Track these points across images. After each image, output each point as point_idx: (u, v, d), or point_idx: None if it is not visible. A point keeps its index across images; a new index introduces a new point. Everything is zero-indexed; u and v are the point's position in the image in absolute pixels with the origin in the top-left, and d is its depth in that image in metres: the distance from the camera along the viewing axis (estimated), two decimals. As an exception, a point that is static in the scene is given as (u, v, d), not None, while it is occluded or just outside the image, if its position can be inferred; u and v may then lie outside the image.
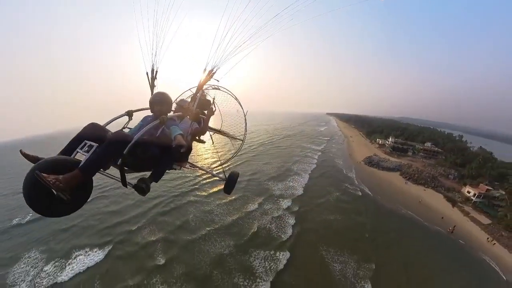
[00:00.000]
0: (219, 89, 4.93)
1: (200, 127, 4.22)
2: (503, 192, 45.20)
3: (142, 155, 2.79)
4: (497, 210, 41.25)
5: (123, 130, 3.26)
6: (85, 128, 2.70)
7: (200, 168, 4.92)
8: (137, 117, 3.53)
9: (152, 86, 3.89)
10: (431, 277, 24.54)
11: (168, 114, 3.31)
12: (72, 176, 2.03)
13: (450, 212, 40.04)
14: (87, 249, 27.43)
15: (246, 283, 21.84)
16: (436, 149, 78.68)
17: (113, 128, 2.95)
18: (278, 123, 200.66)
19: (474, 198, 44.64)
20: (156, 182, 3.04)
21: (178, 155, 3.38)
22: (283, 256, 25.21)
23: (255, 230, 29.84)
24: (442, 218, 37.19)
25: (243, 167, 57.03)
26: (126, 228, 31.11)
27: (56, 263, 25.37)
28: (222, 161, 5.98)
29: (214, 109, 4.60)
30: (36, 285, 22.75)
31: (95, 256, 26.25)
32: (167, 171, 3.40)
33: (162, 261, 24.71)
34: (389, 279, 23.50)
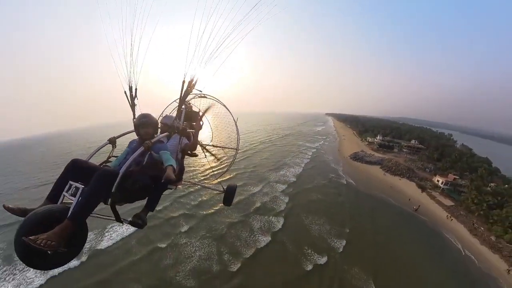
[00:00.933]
0: (205, 97, 4.70)
1: (190, 142, 4.01)
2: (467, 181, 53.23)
3: (132, 187, 2.68)
4: (460, 195, 49.13)
5: (109, 160, 3.22)
6: (67, 167, 2.51)
7: (196, 184, 4.82)
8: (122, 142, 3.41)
9: (132, 106, 3.63)
10: (394, 245, 31.22)
11: (155, 137, 3.15)
12: (62, 228, 1.91)
13: (419, 196, 47.90)
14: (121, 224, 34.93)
15: (252, 238, 29.90)
16: (419, 146, 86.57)
17: (96, 158, 2.97)
18: (278, 124, 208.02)
19: (442, 186, 52.51)
20: (152, 211, 2.99)
21: (171, 182, 3.15)
22: (279, 222, 33.76)
23: (258, 205, 38.37)
24: (409, 199, 45.19)
25: (246, 161, 65.16)
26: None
27: (96, 233, 30.64)
28: (216, 173, 5.77)
29: (202, 123, 4.48)
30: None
31: (129, 227, 31.19)
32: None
33: (185, 228, 32.45)
34: (359, 241, 31.18)
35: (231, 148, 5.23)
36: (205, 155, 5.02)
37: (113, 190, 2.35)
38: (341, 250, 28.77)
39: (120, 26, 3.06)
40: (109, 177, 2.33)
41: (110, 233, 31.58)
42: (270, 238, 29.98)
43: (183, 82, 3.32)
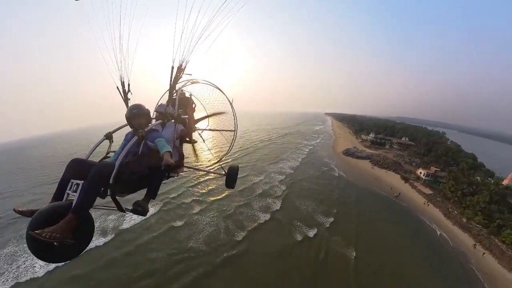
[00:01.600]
0: (198, 83, 4.63)
1: (186, 128, 4.06)
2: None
3: (130, 178, 2.79)
4: (439, 185, 54.66)
5: (108, 155, 3.27)
6: (68, 167, 2.64)
7: (198, 169, 4.95)
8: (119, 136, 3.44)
9: (126, 100, 3.66)
10: (375, 225, 36.38)
11: (149, 126, 3.19)
12: (66, 221, 2.05)
13: (402, 186, 53.43)
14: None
15: (254, 216, 35.97)
16: (409, 142, 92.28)
17: (97, 155, 3.07)
18: (277, 123, 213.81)
19: (424, 177, 58.09)
20: (154, 198, 3.07)
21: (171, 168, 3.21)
22: (277, 204, 40.04)
23: (259, 191, 44.79)
24: (391, 188, 50.82)
25: (247, 157, 71.47)
26: (167, 195, 44.28)
27: (118, 215, 34.55)
28: (217, 157, 5.74)
29: (194, 105, 4.55)
30: (104, 228, 33.15)
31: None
32: (164, 181, 3.36)
33: (196, 210, 38.12)
34: (344, 220, 36.63)
35: (229, 131, 5.21)
36: (203, 140, 5.09)
37: (110, 181, 2.47)
38: (328, 225, 34.46)
39: (107, 20, 3.04)
40: (105, 170, 2.45)
41: (130, 215, 36.34)
42: (269, 216, 36.03)
43: (172, 68, 3.37)
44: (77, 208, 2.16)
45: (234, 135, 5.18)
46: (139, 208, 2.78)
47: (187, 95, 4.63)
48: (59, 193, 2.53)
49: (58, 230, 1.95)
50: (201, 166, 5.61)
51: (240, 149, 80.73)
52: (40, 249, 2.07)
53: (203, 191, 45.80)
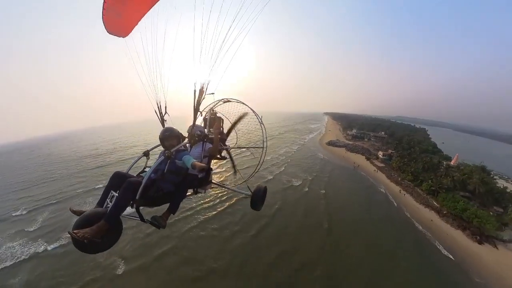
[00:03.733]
0: (230, 101, 4.97)
1: (212, 146, 4.30)
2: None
3: (156, 194, 3.29)
4: (390, 161, 78.22)
5: (145, 169, 3.84)
6: (110, 178, 3.24)
7: (224, 187, 5.32)
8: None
9: (162, 122, 4.14)
10: (339, 181, 60.23)
11: (176, 146, 3.62)
12: (99, 226, 2.62)
13: (363, 163, 77.17)
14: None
15: (261, 178, 60.20)
16: (382, 135, 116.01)
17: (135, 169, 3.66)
18: (277, 122, 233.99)
19: (381, 157, 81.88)
20: (174, 213, 3.47)
21: (198, 182, 3.78)
22: (278, 171, 64.77)
23: (265, 166, 68.63)
24: (354, 163, 75.03)
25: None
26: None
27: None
28: (242, 175, 5.72)
29: (220, 125, 4.88)
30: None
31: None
32: (191, 197, 3.85)
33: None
34: (319, 180, 60.26)
35: (257, 147, 5.42)
36: (230, 157, 5.25)
37: (137, 197, 2.96)
38: (310, 179, 58.99)
39: (147, 57, 3.62)
40: (132, 186, 2.93)
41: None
42: (272, 177, 60.18)
43: (194, 91, 3.68)
44: (108, 217, 2.73)
45: (262, 152, 5.36)
46: (155, 222, 3.17)
47: (219, 115, 5.02)
48: (102, 199, 3.19)
49: (89, 232, 2.51)
50: (228, 184, 5.65)
51: (265, 152, 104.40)
52: (77, 243, 2.59)
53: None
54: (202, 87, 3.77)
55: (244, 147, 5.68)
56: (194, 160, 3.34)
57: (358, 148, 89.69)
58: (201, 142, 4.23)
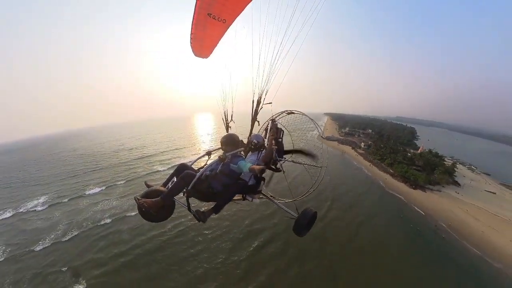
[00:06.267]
0: (293, 113, 5.04)
1: (265, 153, 4.39)
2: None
3: (206, 190, 3.65)
4: (369, 149, 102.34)
5: (205, 166, 4.00)
6: (177, 167, 3.90)
7: (272, 200, 4.72)
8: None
9: (227, 128, 4.69)
10: (331, 164, 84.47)
11: (231, 152, 3.88)
12: (156, 201, 3.15)
13: (349, 151, 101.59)
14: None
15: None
16: (369, 132, 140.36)
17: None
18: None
19: (363, 146, 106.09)
20: (216, 214, 3.65)
21: (247, 188, 3.96)
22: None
23: None
24: (343, 151, 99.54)
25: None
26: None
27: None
28: (294, 193, 5.16)
29: (275, 133, 4.83)
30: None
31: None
32: (238, 202, 4.10)
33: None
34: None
35: (315, 166, 4.91)
36: (283, 171, 4.73)
37: (189, 187, 3.37)
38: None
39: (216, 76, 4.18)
40: (188, 177, 3.37)
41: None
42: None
43: (253, 101, 4.04)
44: (164, 196, 3.27)
45: (321, 172, 4.85)
46: (198, 216, 3.45)
47: (280, 126, 4.98)
48: (166, 182, 3.83)
49: (148, 202, 3.06)
50: (277, 199, 4.85)
51: (324, 171, 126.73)
52: (139, 208, 3.20)
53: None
54: (260, 97, 4.26)
55: (301, 163, 5.17)
56: (251, 164, 3.47)
57: (348, 142, 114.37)
58: (257, 152, 4.51)
